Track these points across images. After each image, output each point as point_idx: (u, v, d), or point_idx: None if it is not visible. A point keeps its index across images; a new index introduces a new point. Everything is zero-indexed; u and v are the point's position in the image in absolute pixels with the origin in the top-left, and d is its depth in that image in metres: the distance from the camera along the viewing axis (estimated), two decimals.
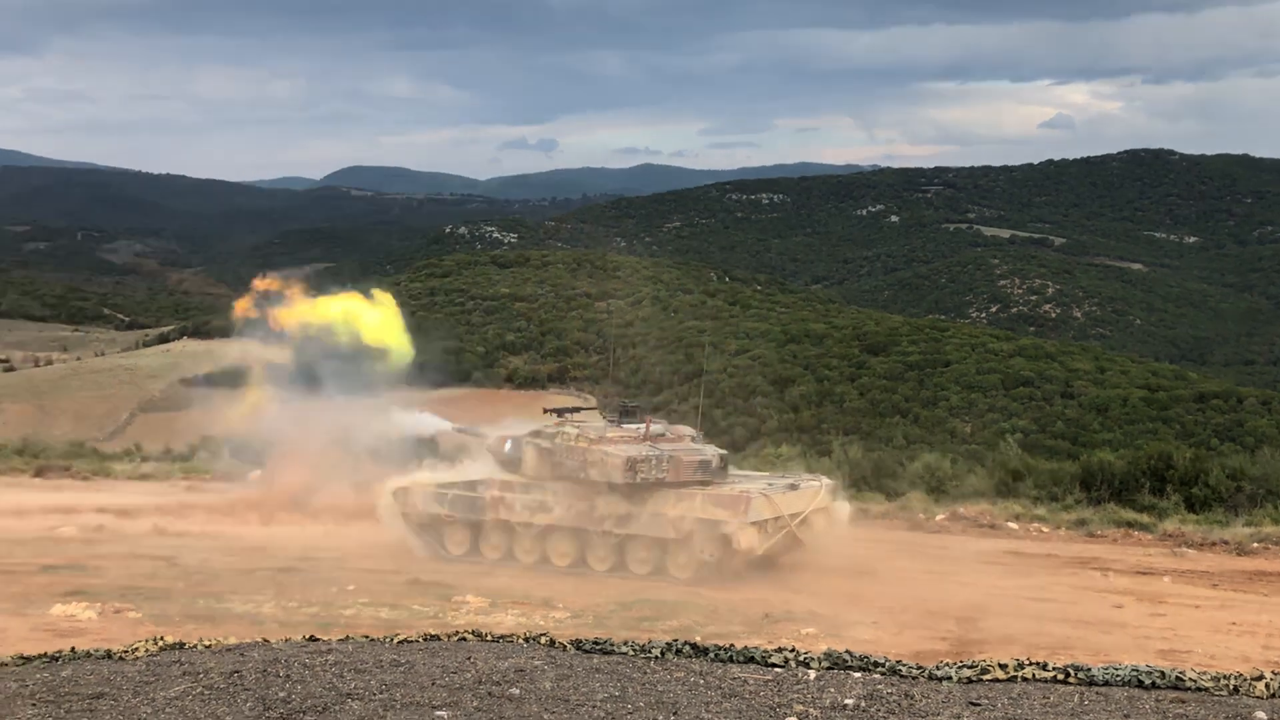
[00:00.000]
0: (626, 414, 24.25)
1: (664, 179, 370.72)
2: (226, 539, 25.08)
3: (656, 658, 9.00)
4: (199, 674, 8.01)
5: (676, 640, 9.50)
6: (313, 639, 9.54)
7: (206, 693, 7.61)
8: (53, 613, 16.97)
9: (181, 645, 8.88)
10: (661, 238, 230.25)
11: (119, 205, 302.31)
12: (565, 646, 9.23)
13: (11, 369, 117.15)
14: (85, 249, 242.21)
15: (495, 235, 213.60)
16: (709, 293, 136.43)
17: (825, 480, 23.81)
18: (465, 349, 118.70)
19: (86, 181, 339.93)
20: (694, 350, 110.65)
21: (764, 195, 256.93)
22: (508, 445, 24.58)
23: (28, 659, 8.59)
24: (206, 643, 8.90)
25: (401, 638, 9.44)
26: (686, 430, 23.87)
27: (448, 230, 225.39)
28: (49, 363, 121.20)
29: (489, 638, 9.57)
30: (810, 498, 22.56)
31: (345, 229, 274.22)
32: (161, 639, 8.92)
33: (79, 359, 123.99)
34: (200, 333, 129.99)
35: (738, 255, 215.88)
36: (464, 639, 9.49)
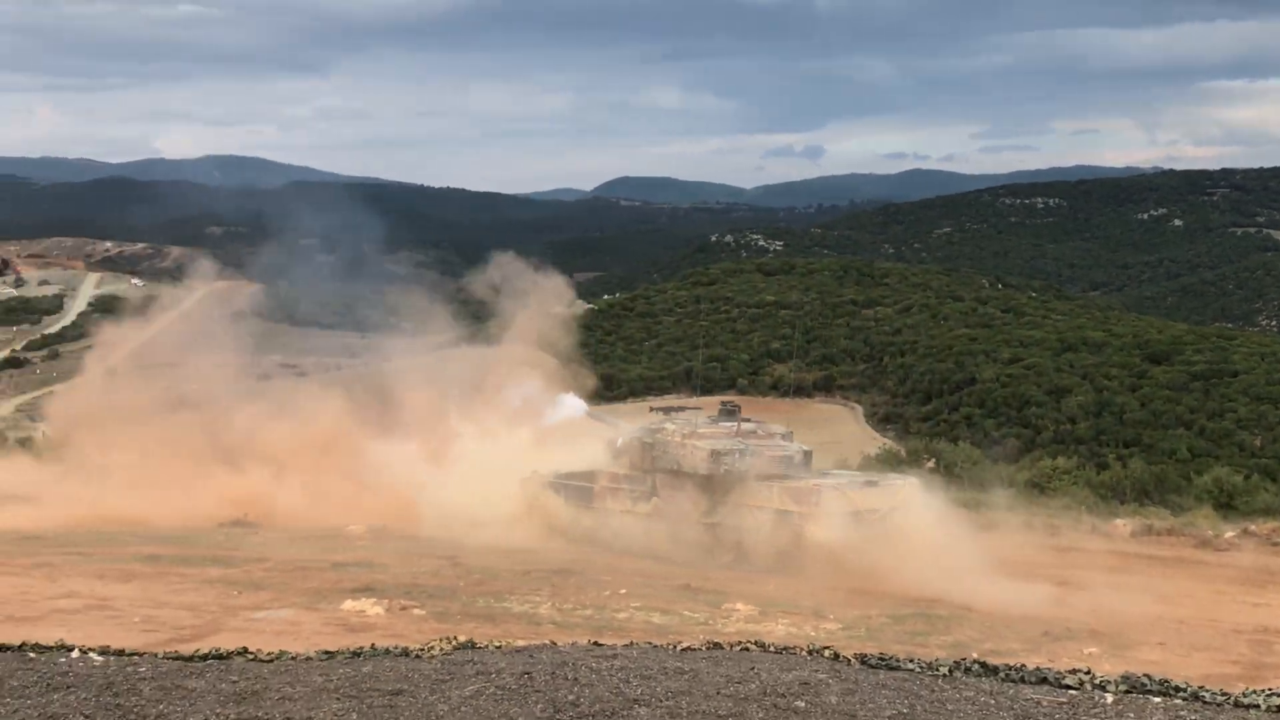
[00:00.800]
0: (726, 414, 26.08)
1: (933, 184, 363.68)
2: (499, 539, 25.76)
3: (944, 675, 8.74)
4: (491, 674, 8.16)
5: (965, 658, 9.21)
6: (597, 643, 9.62)
7: (499, 693, 7.75)
8: (343, 608, 17.65)
9: (473, 645, 9.07)
10: (931, 244, 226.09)
11: (402, 218, 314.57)
12: (850, 660, 9.05)
13: (303, 375, 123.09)
14: (371, 260, 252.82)
15: (761, 243, 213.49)
16: (980, 300, 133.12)
17: (911, 480, 24.62)
18: (730, 356, 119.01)
19: (371, 195, 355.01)
20: (965, 359, 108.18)
21: (1039, 200, 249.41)
22: (619, 440, 26.74)
23: (331, 654, 8.91)
24: (497, 644, 9.07)
25: (685, 645, 9.43)
26: (777, 429, 25.77)
27: (713, 238, 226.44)
28: (339, 368, 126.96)
29: (772, 649, 9.46)
30: (889, 495, 23.30)
31: (614, 238, 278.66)
32: (454, 638, 9.13)
33: (366, 365, 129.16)
34: (475, 340, 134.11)
35: (1011, 261, 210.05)
36: (746, 649, 9.41)
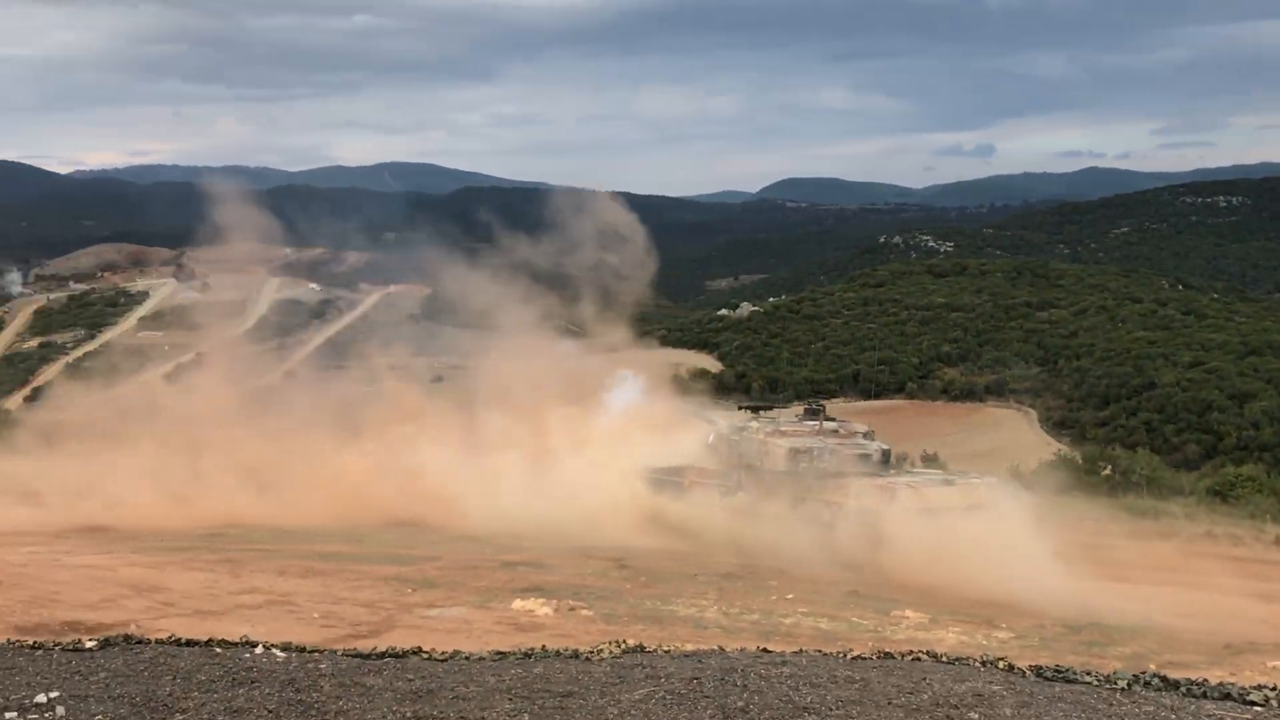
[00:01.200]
0: (810, 413, 27.32)
1: (1110, 182, 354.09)
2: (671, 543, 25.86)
3: (1122, 689, 8.50)
4: (660, 678, 8.20)
5: (1144, 671, 8.94)
6: (765, 650, 9.60)
7: (668, 697, 7.78)
8: (513, 607, 17.91)
9: (643, 649, 9.12)
10: (1108, 244, 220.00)
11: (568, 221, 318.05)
12: (1024, 672, 8.86)
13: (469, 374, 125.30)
14: (536, 263, 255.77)
15: (930, 244, 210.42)
16: (1160, 301, 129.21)
17: (990, 479, 25.51)
18: (898, 359, 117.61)
19: (541, 200, 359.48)
20: (1144, 362, 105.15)
21: (1221, 198, 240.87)
22: (711, 437, 27.82)
23: (503, 655, 9.05)
24: (665, 648, 9.10)
25: (855, 653, 9.35)
26: (859, 428, 26.90)
27: (882, 240, 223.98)
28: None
29: (944, 658, 9.32)
30: (965, 493, 24.08)
31: (780, 240, 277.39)
32: (624, 641, 9.19)
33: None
34: (641, 343, 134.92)
35: (1191, 262, 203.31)
36: (918, 658, 9.28)
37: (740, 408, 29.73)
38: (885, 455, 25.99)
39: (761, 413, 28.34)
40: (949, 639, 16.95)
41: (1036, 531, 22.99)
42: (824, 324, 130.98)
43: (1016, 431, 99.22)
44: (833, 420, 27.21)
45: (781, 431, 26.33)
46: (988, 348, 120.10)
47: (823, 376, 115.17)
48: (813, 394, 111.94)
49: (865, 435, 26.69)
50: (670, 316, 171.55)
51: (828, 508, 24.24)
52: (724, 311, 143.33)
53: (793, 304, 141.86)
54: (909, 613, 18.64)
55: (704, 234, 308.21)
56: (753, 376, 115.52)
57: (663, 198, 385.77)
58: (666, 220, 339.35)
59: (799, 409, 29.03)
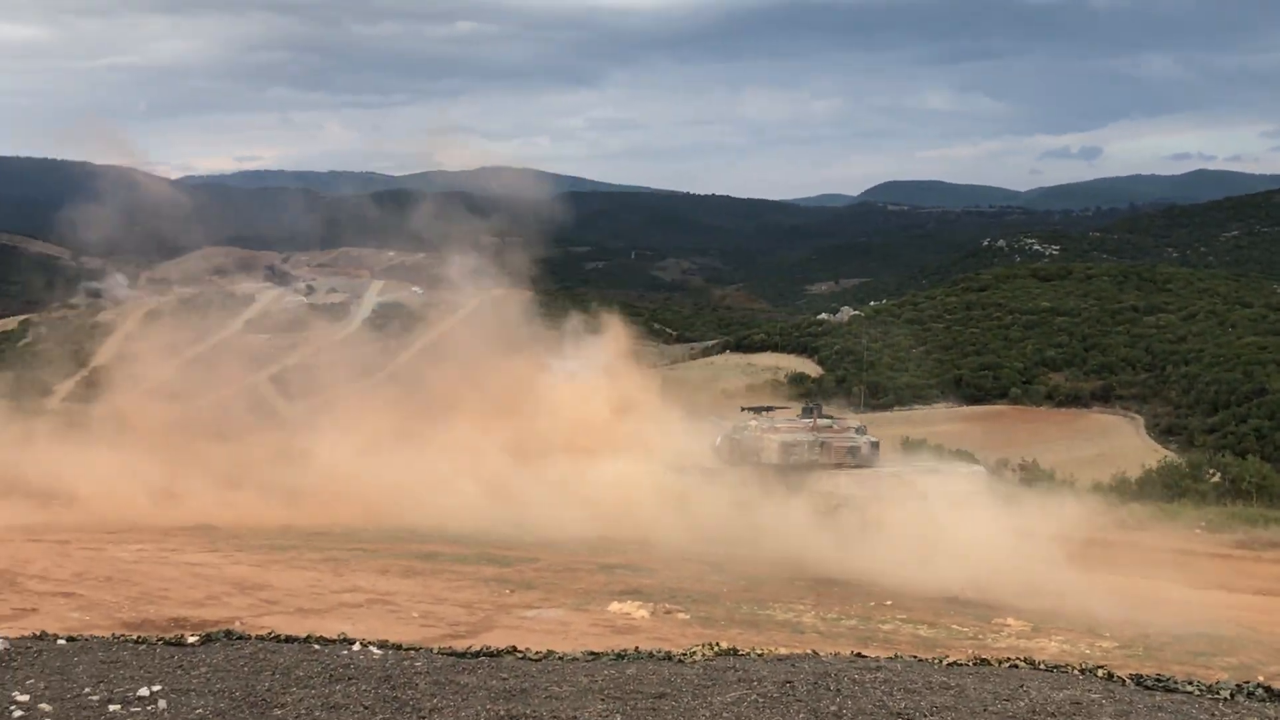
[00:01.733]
0: (808, 412, 29.54)
1: (1220, 185, 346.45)
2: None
3: (1225, 699, 8.31)
4: (753, 681, 8.18)
5: (1249, 682, 8.74)
6: (860, 655, 9.53)
7: (760, 701, 7.76)
8: (610, 609, 17.97)
9: (735, 652, 9.10)
10: (1218, 248, 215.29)
11: (669, 226, 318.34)
12: (1124, 681, 8.70)
13: (574, 379, 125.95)
14: (639, 267, 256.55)
15: (1035, 247, 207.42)
16: (1272, 306, 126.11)
17: (977, 469, 28.17)
18: (1002, 364, 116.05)
19: (640, 204, 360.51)
20: (1254, 368, 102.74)
21: None
22: (718, 439, 29.33)
23: (596, 655, 9.08)
24: (759, 651, 9.08)
25: (950, 659, 9.24)
26: (852, 423, 29.05)
27: (985, 243, 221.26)
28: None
29: (1041, 666, 9.18)
30: (954, 482, 26.59)
31: (881, 244, 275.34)
32: (717, 644, 9.18)
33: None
34: (741, 346, 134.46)
35: None
36: (1015, 665, 9.15)
37: (743, 409, 31.10)
38: (874, 447, 28.02)
39: (763, 413, 29.97)
40: (1051, 647, 16.73)
41: (1011, 520, 24.68)
42: (925, 328, 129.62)
43: (1122, 438, 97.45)
44: (828, 418, 29.29)
45: (776, 428, 28.30)
46: (1094, 353, 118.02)
47: (924, 382, 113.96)
48: (913, 399, 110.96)
49: (858, 430, 28.55)
50: (770, 320, 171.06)
51: (823, 497, 26.10)
52: (824, 315, 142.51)
53: (894, 308, 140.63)
54: (1011, 620, 18.43)
55: (804, 237, 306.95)
56: (853, 381, 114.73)
57: (763, 201, 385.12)
58: (767, 223, 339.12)
59: (799, 409, 31.01)
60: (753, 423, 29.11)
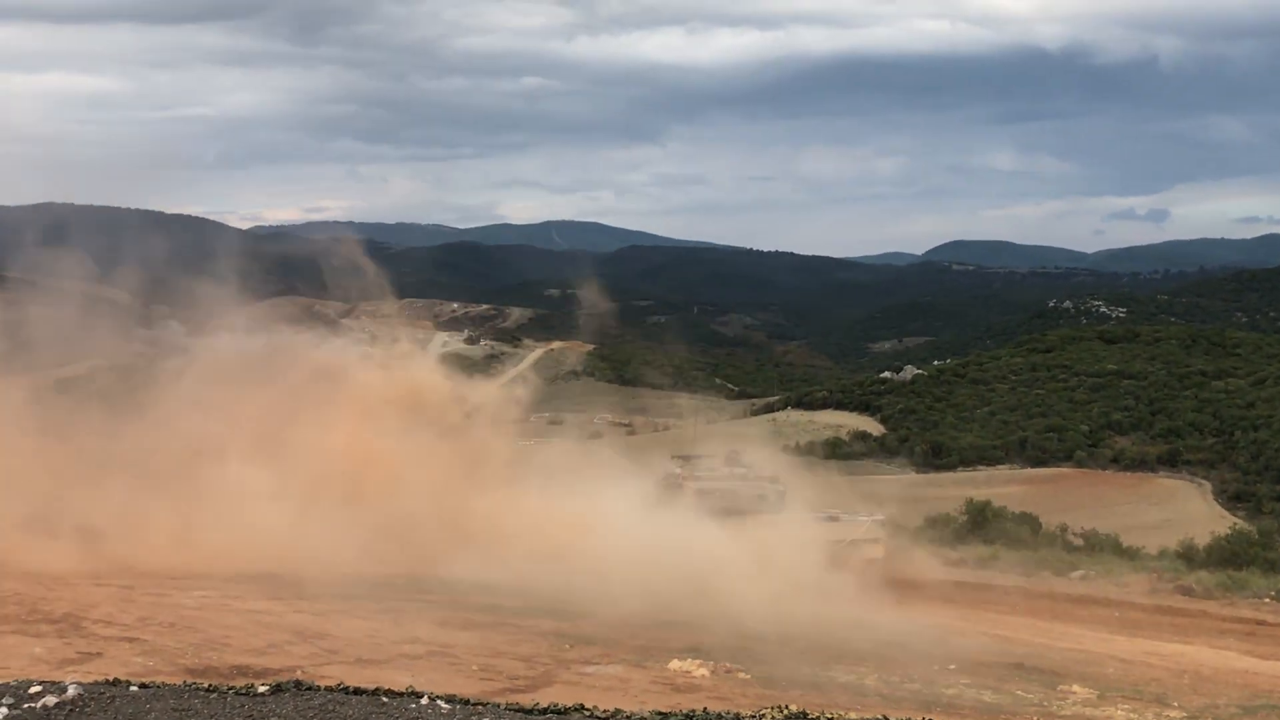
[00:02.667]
0: (731, 461, 32.46)
1: None
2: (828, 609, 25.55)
3: None
4: None
5: None
6: None
7: None
8: (670, 667, 17.85)
9: (805, 715, 9.03)
10: None
11: (731, 281, 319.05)
12: None
13: (633, 433, 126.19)
14: (700, 322, 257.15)
15: (1102, 309, 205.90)
16: None
17: (876, 518, 30.93)
18: (1067, 427, 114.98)
19: (703, 259, 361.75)
20: None
21: None
22: (662, 476, 31.92)
23: (664, 715, 9.03)
24: (828, 715, 9.00)
25: None
26: (766, 474, 31.74)
27: (1051, 304, 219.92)
28: (666, 428, 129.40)
29: None
30: (848, 530, 29.73)
31: (946, 303, 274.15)
32: (786, 707, 9.11)
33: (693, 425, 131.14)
34: (803, 403, 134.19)
35: None
36: None
37: (673, 457, 34.13)
38: (780, 495, 30.71)
39: (690, 460, 32.95)
40: (1118, 716, 16.47)
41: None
42: (990, 389, 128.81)
43: (1189, 503, 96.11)
44: (743, 467, 32.06)
45: (697, 476, 31.23)
46: (1160, 417, 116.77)
47: (988, 443, 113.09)
48: (977, 460, 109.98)
49: (770, 480, 31.32)
50: (832, 377, 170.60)
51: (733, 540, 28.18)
52: (887, 374, 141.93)
53: (958, 368, 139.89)
54: (1076, 688, 18.16)
55: (868, 295, 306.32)
56: (915, 440, 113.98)
57: (826, 258, 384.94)
58: (830, 281, 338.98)
59: (723, 457, 33.76)
60: (677, 470, 31.97)
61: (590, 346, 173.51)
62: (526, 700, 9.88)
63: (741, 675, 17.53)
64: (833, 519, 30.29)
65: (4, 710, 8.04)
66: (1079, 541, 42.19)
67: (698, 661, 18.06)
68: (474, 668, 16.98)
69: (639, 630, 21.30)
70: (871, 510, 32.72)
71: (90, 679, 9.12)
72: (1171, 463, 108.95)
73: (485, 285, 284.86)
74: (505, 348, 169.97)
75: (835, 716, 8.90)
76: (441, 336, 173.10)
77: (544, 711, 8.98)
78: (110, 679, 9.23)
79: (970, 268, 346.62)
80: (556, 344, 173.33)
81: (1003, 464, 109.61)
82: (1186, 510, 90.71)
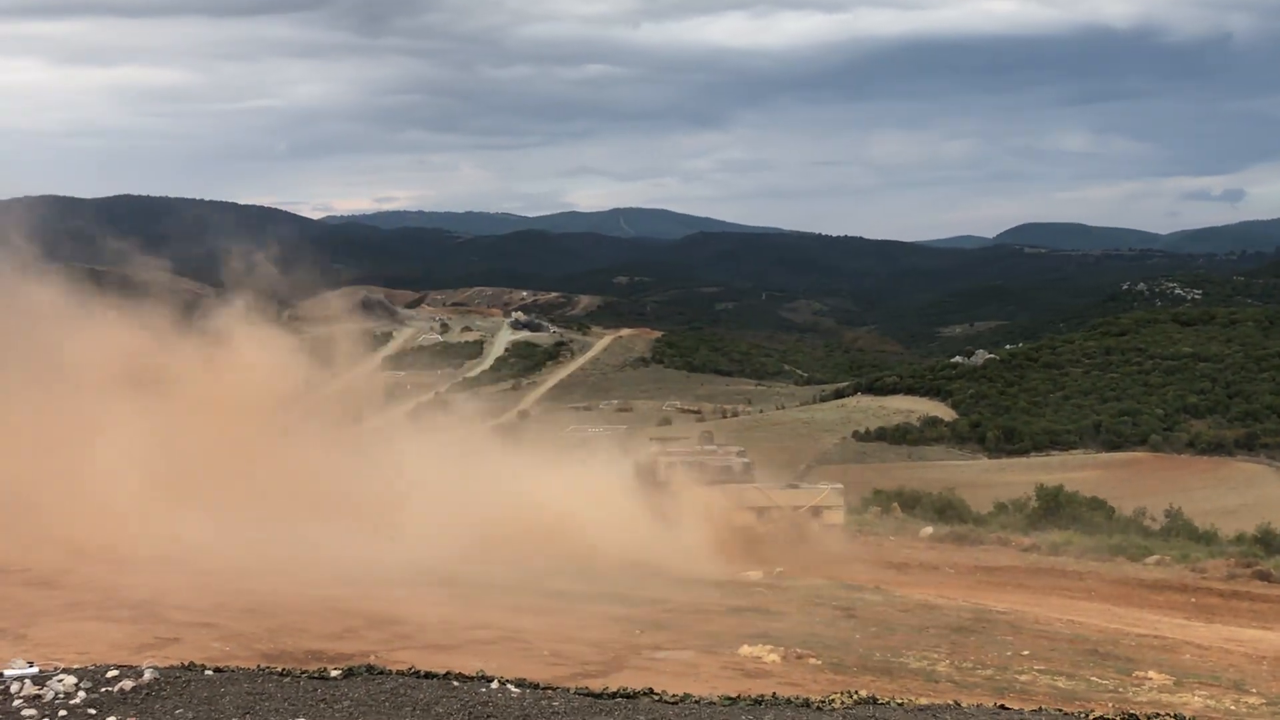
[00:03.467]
0: (705, 440, 35.35)
1: None
2: (901, 594, 25.42)
3: None
4: None
5: None
6: (1003, 706, 9.34)
7: None
8: (740, 653, 17.82)
9: (875, 700, 8.98)
10: None
11: (799, 267, 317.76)
12: None
13: (702, 419, 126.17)
14: (768, 308, 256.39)
15: (1177, 291, 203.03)
16: None
17: (833, 486, 33.39)
18: (1142, 411, 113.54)
19: (770, 245, 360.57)
20: None
21: None
22: (633, 463, 33.97)
23: (733, 700, 9.02)
24: (898, 700, 8.95)
25: (1096, 714, 9.02)
26: (734, 449, 34.56)
27: (1124, 287, 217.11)
28: (735, 414, 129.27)
29: None
30: (805, 496, 32.45)
31: (1017, 287, 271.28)
32: (855, 692, 9.06)
33: (761, 412, 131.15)
34: (872, 389, 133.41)
35: None
36: None
37: (650, 440, 36.81)
38: (746, 468, 33.28)
39: (669, 441, 35.91)
40: (1195, 702, 16.23)
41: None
42: (1063, 373, 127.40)
43: (1268, 488, 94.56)
44: (712, 445, 34.87)
45: (667, 452, 33.54)
46: (1237, 400, 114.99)
47: (1061, 427, 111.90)
48: (1050, 445, 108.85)
49: (738, 454, 33.93)
50: (902, 363, 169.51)
51: (702, 507, 30.73)
52: (958, 359, 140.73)
53: (1030, 352, 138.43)
54: (1152, 674, 17.93)
55: (938, 280, 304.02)
56: (988, 426, 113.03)
57: (896, 243, 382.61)
58: (900, 266, 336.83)
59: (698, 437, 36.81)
60: (653, 449, 34.41)
61: (659, 334, 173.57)
62: (596, 685, 9.90)
63: (812, 661, 17.47)
64: (793, 486, 33.95)
65: (82, 694, 8.17)
66: (1154, 526, 41.70)
67: (769, 647, 18.02)
68: (544, 653, 17.05)
69: (711, 616, 21.31)
70: (831, 482, 35.97)
71: (167, 664, 9.25)
72: (1249, 446, 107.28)
73: (554, 273, 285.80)
74: (574, 335, 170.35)
75: (906, 702, 8.84)
76: (507, 322, 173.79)
77: (613, 695, 8.99)
78: (186, 663, 9.35)
79: (1042, 251, 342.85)
80: (625, 331, 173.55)
81: (1076, 449, 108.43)
82: (1265, 495, 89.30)
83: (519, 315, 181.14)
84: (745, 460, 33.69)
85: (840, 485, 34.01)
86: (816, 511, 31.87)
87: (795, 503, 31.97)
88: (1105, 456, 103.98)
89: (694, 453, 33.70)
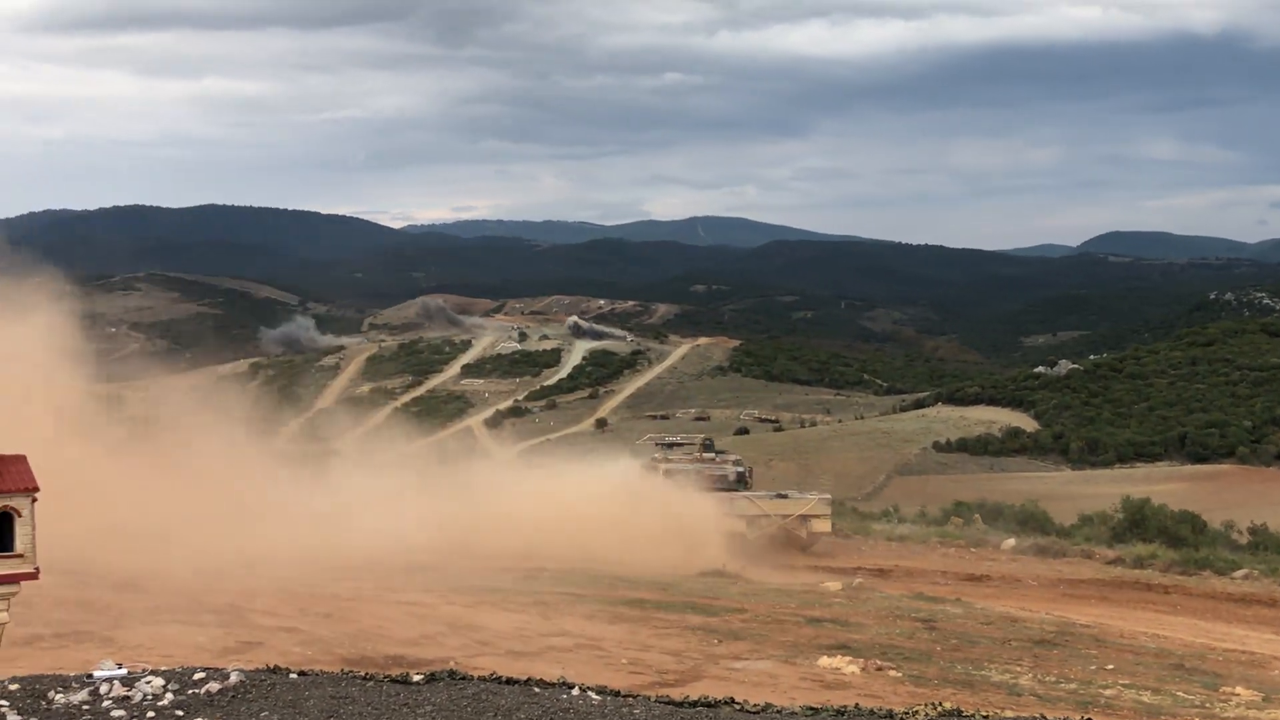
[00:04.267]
0: (706, 447, 37.96)
1: None
2: (982, 606, 25.18)
3: None
4: None
5: None
6: None
7: None
8: (819, 664, 17.75)
9: (959, 713, 8.88)
10: None
11: (879, 275, 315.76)
12: None
13: (780, 429, 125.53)
14: (848, 317, 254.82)
15: (1265, 301, 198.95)
16: None
17: (821, 496, 36.13)
18: (1229, 422, 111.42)
19: (850, 253, 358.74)
20: None
21: None
22: (642, 464, 37.00)
23: (815, 710, 8.96)
24: (983, 714, 8.84)
25: None
26: (732, 457, 37.61)
27: (1212, 296, 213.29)
28: (813, 424, 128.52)
29: None
30: (795, 505, 34.77)
31: (1101, 296, 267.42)
32: (939, 705, 8.97)
33: (840, 421, 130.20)
34: (953, 399, 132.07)
35: None
36: None
37: (655, 443, 39.60)
38: (740, 477, 35.63)
39: (670, 447, 38.09)
40: None
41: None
42: (1148, 383, 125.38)
43: None
44: (712, 452, 37.45)
45: (669, 459, 36.17)
46: None
47: (1146, 439, 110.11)
48: (1135, 457, 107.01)
49: (735, 463, 36.48)
50: (983, 373, 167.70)
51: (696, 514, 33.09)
52: (1041, 369, 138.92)
53: (1115, 362, 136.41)
54: (1239, 690, 17.62)
55: (1021, 288, 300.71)
56: (1071, 437, 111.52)
57: (977, 251, 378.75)
58: (982, 274, 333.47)
59: (699, 443, 39.21)
60: (657, 455, 36.79)
61: (736, 342, 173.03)
62: (677, 694, 9.89)
63: (892, 673, 17.35)
64: (782, 496, 35.70)
65: (170, 696, 8.29)
66: (1243, 540, 40.95)
67: (847, 658, 17.93)
68: (623, 661, 17.08)
69: (789, 627, 21.23)
70: (820, 491, 38.64)
71: (251, 667, 9.37)
72: None
73: (631, 281, 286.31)
74: (652, 343, 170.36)
75: (990, 715, 8.74)
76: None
77: (694, 704, 8.97)
78: (271, 667, 9.46)
79: (1127, 259, 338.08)
80: (703, 340, 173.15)
81: (1161, 461, 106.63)
82: None
83: (577, 320, 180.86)
84: (741, 469, 36.08)
85: (828, 495, 37.13)
86: (805, 519, 34.34)
87: (784, 511, 34.33)
88: (1191, 469, 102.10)
89: (692, 460, 36.32)
